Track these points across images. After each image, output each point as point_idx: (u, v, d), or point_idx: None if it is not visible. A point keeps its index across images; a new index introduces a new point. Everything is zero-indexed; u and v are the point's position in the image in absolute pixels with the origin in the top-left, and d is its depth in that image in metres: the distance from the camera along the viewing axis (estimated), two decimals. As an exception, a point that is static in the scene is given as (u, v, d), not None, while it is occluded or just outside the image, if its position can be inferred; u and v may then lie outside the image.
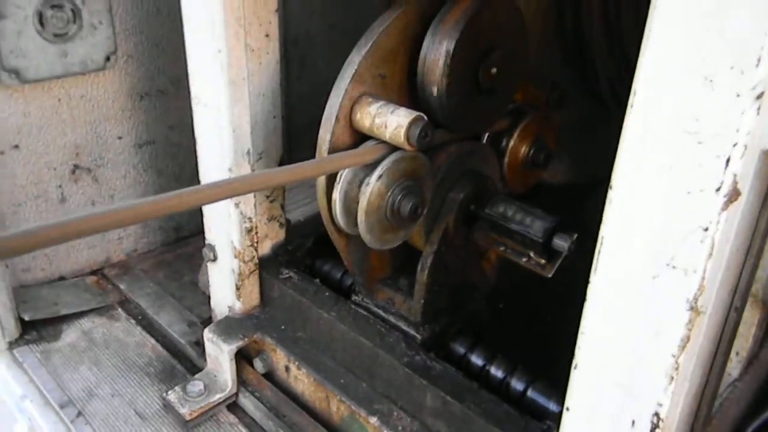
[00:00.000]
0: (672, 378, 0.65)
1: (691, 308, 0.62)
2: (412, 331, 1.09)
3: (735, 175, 0.56)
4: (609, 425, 0.72)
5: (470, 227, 1.06)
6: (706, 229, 0.58)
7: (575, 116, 1.40)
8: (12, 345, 1.35)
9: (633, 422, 0.69)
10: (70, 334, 1.39)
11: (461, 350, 1.10)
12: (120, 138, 1.48)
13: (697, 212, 0.58)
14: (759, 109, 0.53)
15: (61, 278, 1.51)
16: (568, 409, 0.75)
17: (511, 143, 1.12)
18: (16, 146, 1.34)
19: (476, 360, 1.09)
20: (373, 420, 1.04)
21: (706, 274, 0.61)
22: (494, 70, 0.96)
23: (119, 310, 1.46)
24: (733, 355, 0.97)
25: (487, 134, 1.12)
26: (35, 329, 1.38)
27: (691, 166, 0.57)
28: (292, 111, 1.78)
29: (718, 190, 0.57)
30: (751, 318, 0.94)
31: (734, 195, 0.57)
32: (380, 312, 1.13)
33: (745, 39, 0.52)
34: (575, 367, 0.73)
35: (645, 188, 0.61)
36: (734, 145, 0.55)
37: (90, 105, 1.41)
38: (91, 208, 1.47)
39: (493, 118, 1.07)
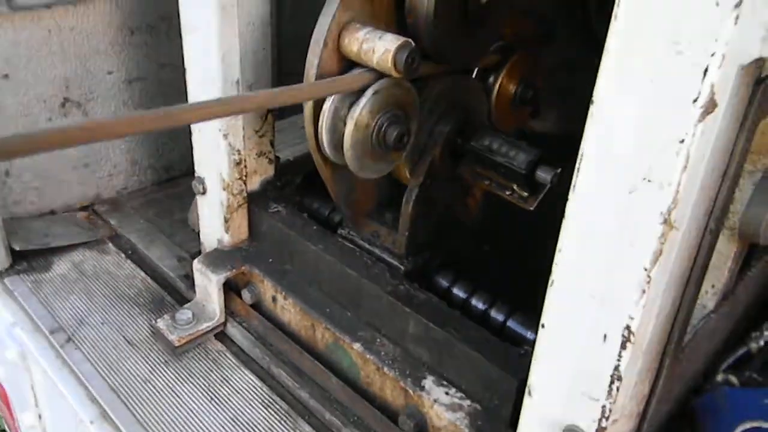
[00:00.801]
0: (644, 291, 0.67)
1: (665, 221, 0.64)
2: (396, 263, 1.11)
3: (712, 86, 0.57)
4: (582, 340, 0.74)
5: (456, 161, 1.07)
6: (682, 141, 0.60)
7: (567, 60, 1.39)
8: (2, 274, 1.36)
9: (605, 336, 0.72)
10: (61, 266, 1.40)
11: (444, 283, 1.12)
12: (110, 73, 1.48)
13: (673, 124, 0.59)
14: (737, 18, 0.54)
15: (52, 212, 1.52)
16: (543, 326, 0.77)
17: (500, 79, 1.12)
18: (6, 76, 1.33)
19: (458, 292, 1.11)
20: (357, 346, 1.06)
21: (681, 188, 0.62)
22: None
23: (109, 244, 1.47)
24: (708, 287, 0.99)
25: (476, 70, 1.12)
26: (26, 260, 1.40)
27: (669, 77, 0.58)
28: (283, 50, 1.77)
29: (695, 101, 0.58)
30: (726, 251, 0.96)
31: (710, 106, 0.58)
32: (365, 245, 1.14)
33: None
34: (551, 284, 0.75)
35: (624, 100, 0.62)
36: (712, 55, 0.56)
37: (80, 38, 1.40)
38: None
39: (481, 51, 1.07)
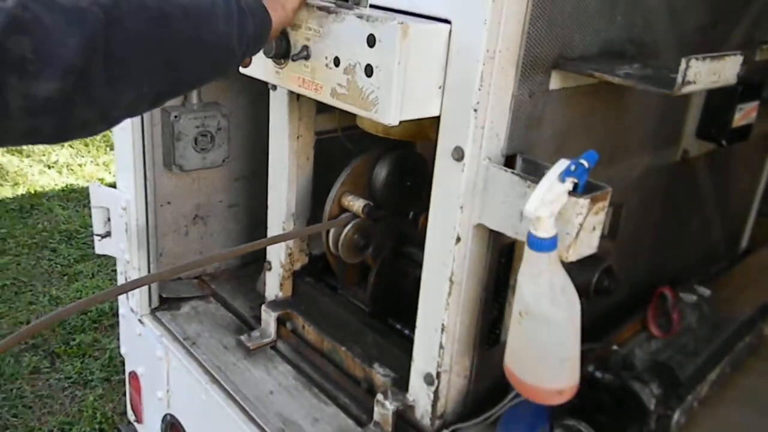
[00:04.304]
0: (447, 306, 1.71)
1: (450, 281, 1.69)
2: (365, 308, 2.17)
3: (456, 228, 1.64)
4: (426, 332, 1.78)
5: (398, 256, 2.15)
6: (451, 252, 1.66)
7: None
8: (154, 310, 2.46)
9: (435, 329, 1.76)
10: (185, 308, 2.49)
11: (390, 320, 2.17)
12: (220, 201, 2.63)
13: (448, 249, 1.66)
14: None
15: (179, 279, 2.63)
16: (418, 322, 1.82)
17: (422, 217, 2.22)
18: (168, 203, 2.49)
19: (394, 323, 2.16)
20: (342, 349, 2.11)
21: (455, 269, 1.68)
22: (408, 183, 2.08)
23: (211, 298, 2.57)
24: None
25: (411, 213, 2.22)
26: (167, 303, 2.50)
27: (448, 228, 1.66)
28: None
29: (455, 240, 1.65)
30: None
31: (459, 240, 1.65)
32: (350, 298, 2.22)
33: (456, 189, 1.63)
34: (420, 303, 1.80)
35: (437, 226, 1.70)
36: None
37: (207, 183, 2.56)
38: (202, 255, 2.61)
39: (412, 204, 2.18)
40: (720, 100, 2.23)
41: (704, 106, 2.28)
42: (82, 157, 7.57)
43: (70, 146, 7.77)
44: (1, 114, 0.91)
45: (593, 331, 2.12)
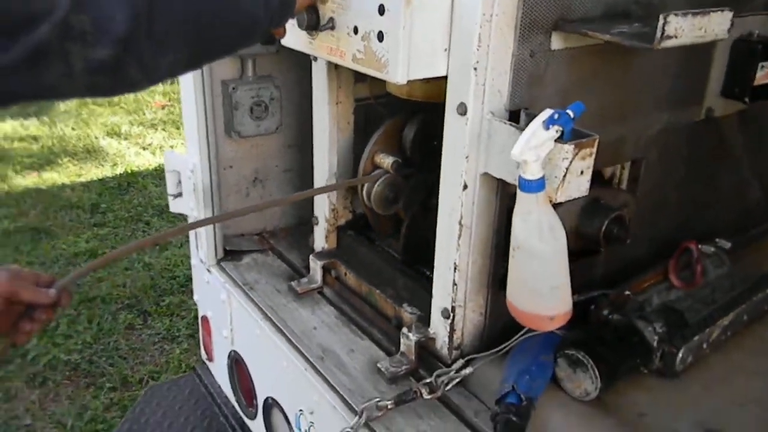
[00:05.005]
0: (458, 247, 1.93)
1: (460, 224, 1.90)
2: (398, 257, 2.41)
3: (462, 175, 1.85)
4: (442, 271, 2.00)
5: (426, 209, 2.38)
6: (460, 198, 1.87)
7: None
8: (220, 260, 2.80)
9: (449, 268, 1.97)
10: (246, 259, 2.82)
11: (420, 266, 2.40)
12: (276, 166, 2.93)
13: (456, 195, 1.87)
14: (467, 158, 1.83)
15: (242, 235, 2.96)
16: (434, 263, 2.04)
17: (451, 175, 2.42)
18: (231, 167, 2.81)
19: (424, 270, 2.38)
20: (377, 292, 2.36)
21: (464, 213, 1.89)
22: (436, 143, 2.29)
23: (269, 251, 2.88)
24: (527, 268, 2.19)
25: (441, 171, 2.43)
26: (230, 255, 2.82)
27: (455, 176, 1.87)
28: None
29: (462, 187, 1.86)
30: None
31: (466, 187, 1.85)
32: (385, 248, 2.46)
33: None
34: (437, 245, 2.02)
35: (447, 174, 1.91)
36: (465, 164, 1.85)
37: (264, 149, 2.86)
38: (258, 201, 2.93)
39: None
40: (742, 59, 2.30)
41: (728, 65, 2.35)
42: (174, 139, 8.16)
43: (163, 130, 8.40)
44: (68, 73, 1.21)
45: (615, 283, 2.27)
